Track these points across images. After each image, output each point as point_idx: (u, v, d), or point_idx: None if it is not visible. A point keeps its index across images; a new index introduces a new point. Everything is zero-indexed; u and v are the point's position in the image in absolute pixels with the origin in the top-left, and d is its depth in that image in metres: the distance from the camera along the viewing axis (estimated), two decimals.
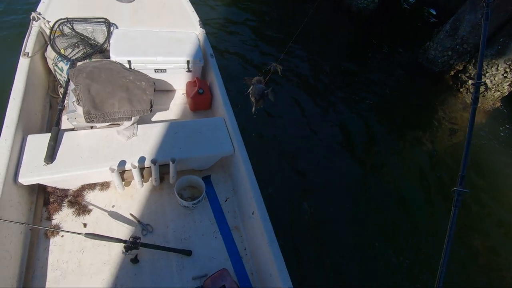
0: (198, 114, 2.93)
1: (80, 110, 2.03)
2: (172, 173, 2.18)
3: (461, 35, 5.64)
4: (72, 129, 2.23)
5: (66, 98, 2.25)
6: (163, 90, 3.00)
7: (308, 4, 6.85)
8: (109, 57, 2.49)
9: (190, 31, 3.07)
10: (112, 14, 2.87)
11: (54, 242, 1.90)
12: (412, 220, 3.41)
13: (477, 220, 3.56)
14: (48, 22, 2.64)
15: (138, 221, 2.11)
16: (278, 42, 5.32)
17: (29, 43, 2.47)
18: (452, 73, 6.01)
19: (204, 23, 3.26)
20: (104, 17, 2.79)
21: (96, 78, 2.04)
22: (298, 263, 2.84)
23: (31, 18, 2.58)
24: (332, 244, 3.03)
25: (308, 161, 3.69)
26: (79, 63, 2.32)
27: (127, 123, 2.17)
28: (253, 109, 1.73)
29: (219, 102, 2.67)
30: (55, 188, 2.04)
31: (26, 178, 1.83)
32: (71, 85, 2.14)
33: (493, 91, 5.48)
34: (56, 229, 1.88)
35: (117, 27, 2.84)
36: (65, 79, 2.39)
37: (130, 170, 2.05)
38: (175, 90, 3.07)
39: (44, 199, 2.02)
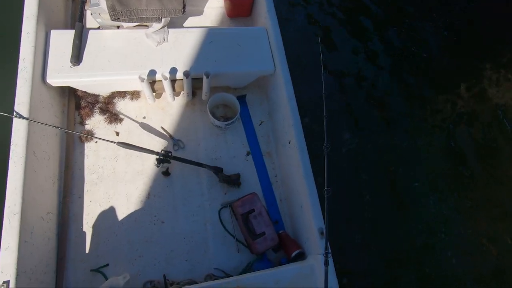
0: (236, 21, 2.52)
1: (103, 4, 1.74)
2: (205, 89, 1.98)
3: None
4: (97, 28, 1.99)
5: None
6: None
7: None
8: None
9: None
10: None
11: (89, 147, 1.90)
12: None
13: None
14: None
15: (170, 135, 2.04)
16: None
17: None
18: None
19: None
20: None
21: None
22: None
23: None
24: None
25: (366, 95, 3.21)
26: None
27: (156, 25, 1.87)
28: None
29: (262, 8, 2.23)
30: (85, 92, 1.94)
31: (54, 79, 1.71)
32: None
33: None
34: (90, 135, 1.86)
35: None
36: None
37: (161, 81, 1.86)
38: None
39: (76, 103, 1.95)
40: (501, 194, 2.99)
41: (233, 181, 1.97)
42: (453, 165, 3.07)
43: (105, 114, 1.97)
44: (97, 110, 1.97)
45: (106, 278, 1.64)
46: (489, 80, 3.55)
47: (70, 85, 1.80)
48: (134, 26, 1.95)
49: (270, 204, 2.05)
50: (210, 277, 1.75)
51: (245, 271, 1.78)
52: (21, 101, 1.55)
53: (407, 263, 2.64)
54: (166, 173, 1.94)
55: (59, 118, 1.86)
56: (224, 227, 1.90)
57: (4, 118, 1.49)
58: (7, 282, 1.26)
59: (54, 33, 1.80)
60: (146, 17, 1.80)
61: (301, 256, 1.79)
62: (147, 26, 1.94)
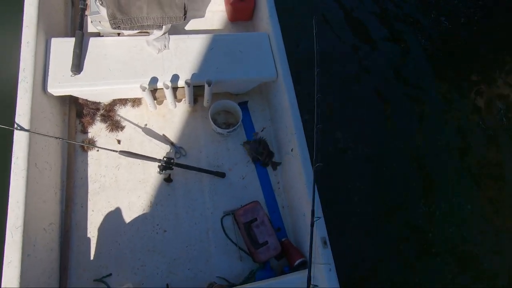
0: (237, 25, 2.50)
1: (104, 12, 1.72)
2: (207, 96, 1.97)
3: None
4: (98, 35, 1.97)
5: None
6: None
7: None
8: None
9: None
10: None
11: (91, 156, 1.89)
12: None
13: None
14: None
15: (171, 143, 2.03)
16: None
17: None
18: None
19: None
20: None
21: None
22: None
23: None
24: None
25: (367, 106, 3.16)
26: None
27: (157, 33, 1.85)
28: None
29: (264, 13, 2.20)
30: (86, 100, 1.92)
31: (55, 89, 1.70)
32: None
33: None
34: (91, 145, 1.85)
35: None
36: None
37: (162, 89, 1.85)
38: None
39: (77, 111, 1.93)
40: None
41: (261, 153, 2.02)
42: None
43: (106, 122, 1.95)
44: (98, 118, 1.96)
45: None
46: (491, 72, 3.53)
47: (71, 94, 1.79)
48: (135, 34, 1.93)
49: (272, 211, 2.05)
50: (212, 285, 1.75)
51: (247, 279, 1.78)
52: (22, 113, 1.53)
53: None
54: (168, 179, 1.94)
55: (60, 127, 1.85)
56: (226, 235, 1.89)
57: (4, 129, 1.48)
58: None
59: (54, 42, 1.78)
60: (147, 25, 1.78)
61: (304, 265, 1.79)
62: (148, 33, 1.92)
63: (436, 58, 3.48)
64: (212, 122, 2.00)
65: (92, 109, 1.93)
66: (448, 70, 3.47)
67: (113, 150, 1.70)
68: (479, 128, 3.22)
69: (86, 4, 1.87)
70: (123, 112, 2.03)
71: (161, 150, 2.00)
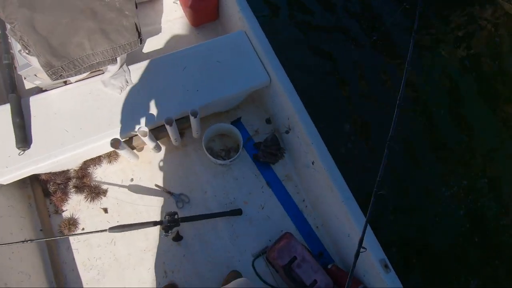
0: (204, 30, 2.11)
1: (36, 62, 1.32)
2: (195, 128, 1.60)
3: None
4: (40, 90, 1.57)
5: (10, 45, 1.49)
6: (145, 2, 2.10)
7: None
8: None
9: None
10: None
11: (77, 239, 1.53)
12: None
13: None
14: None
15: (169, 192, 1.68)
16: None
17: None
18: None
19: None
20: None
21: (36, 3, 1.24)
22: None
23: None
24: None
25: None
26: None
27: (112, 68, 1.47)
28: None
29: (233, 6, 1.82)
30: (50, 174, 1.54)
31: (4, 176, 1.31)
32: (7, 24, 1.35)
33: None
34: (72, 234, 1.48)
35: None
36: None
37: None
38: None
39: (43, 189, 1.55)
40: None
41: (275, 154, 1.77)
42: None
43: (83, 191, 1.58)
44: (72, 190, 1.58)
45: None
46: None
47: (27, 175, 1.40)
48: (86, 76, 1.53)
49: (307, 235, 1.74)
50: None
51: None
52: None
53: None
54: (177, 238, 1.59)
55: (28, 217, 1.48)
56: (264, 281, 1.58)
57: None
58: None
59: None
60: (97, 63, 1.38)
61: None
62: (101, 71, 1.53)
63: None
64: (209, 156, 1.65)
65: (61, 182, 1.55)
66: None
67: (101, 231, 1.34)
68: None
69: (12, 58, 1.46)
70: (100, 173, 1.66)
71: (158, 206, 1.65)
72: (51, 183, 1.53)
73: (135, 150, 1.62)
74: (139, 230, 1.54)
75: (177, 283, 1.52)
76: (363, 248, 1.09)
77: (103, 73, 1.51)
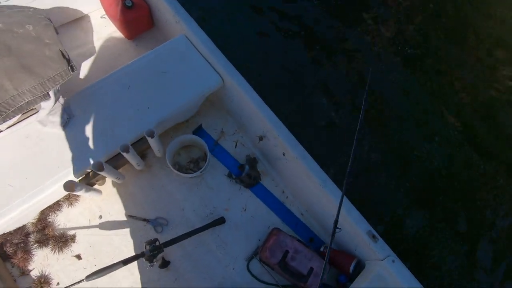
0: (141, 41, 1.98)
1: None
2: (156, 147, 1.51)
3: None
4: None
5: None
6: (68, 23, 1.91)
7: None
8: None
9: None
10: None
11: None
12: None
13: None
14: None
15: (144, 219, 1.58)
16: None
17: None
18: None
19: None
20: None
21: None
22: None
23: None
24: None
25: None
26: None
27: (47, 105, 1.32)
28: None
29: (167, 12, 1.72)
30: (2, 235, 1.37)
31: None
32: None
33: None
34: (45, 283, 1.35)
35: None
36: None
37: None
38: (87, 15, 1.97)
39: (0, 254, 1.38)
40: None
41: (253, 178, 1.72)
42: None
43: (47, 244, 1.43)
44: (35, 246, 1.43)
45: None
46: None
47: None
48: (18, 120, 1.36)
49: (294, 224, 1.74)
50: None
51: None
52: None
53: None
54: (164, 264, 1.51)
55: None
56: (263, 282, 1.56)
57: None
58: None
59: None
60: (26, 103, 1.23)
61: (360, 264, 1.55)
62: (35, 110, 1.37)
63: None
64: (178, 172, 1.57)
65: (19, 240, 1.39)
66: None
67: (78, 282, 1.22)
68: None
69: None
70: (62, 219, 1.51)
71: (136, 237, 1.55)
72: (8, 245, 1.37)
73: (96, 185, 1.50)
74: (121, 269, 1.45)
75: None
76: (338, 228, 1.13)
77: (37, 112, 1.35)
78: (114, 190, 1.60)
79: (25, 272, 1.40)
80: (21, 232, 1.42)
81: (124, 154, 1.31)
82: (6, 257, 1.38)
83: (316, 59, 2.75)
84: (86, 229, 1.52)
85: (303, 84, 2.62)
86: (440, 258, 2.25)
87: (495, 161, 2.62)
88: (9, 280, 1.35)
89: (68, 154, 1.32)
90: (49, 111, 1.34)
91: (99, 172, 1.26)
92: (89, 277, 1.26)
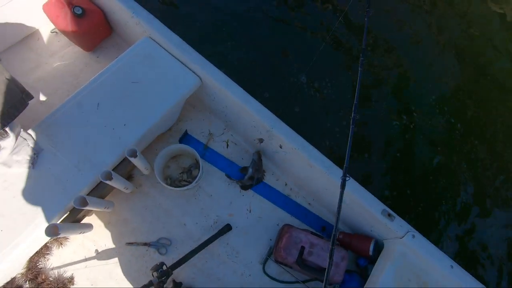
0: (104, 51, 1.79)
1: None
2: (142, 166, 1.37)
3: None
4: None
5: None
6: (13, 46, 1.70)
7: None
8: None
9: None
10: None
11: None
12: None
13: None
14: None
15: (144, 244, 1.46)
16: None
17: None
18: None
19: None
20: None
21: None
22: None
23: None
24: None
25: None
26: None
27: (6, 143, 1.15)
28: None
29: (124, 14, 1.54)
30: None
31: None
32: None
33: None
34: None
35: None
36: None
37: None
38: (35, 31, 1.76)
39: None
40: None
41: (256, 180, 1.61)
42: None
43: None
44: None
45: None
46: None
47: None
48: None
49: (303, 216, 1.66)
50: None
51: None
52: None
53: None
54: (176, 286, 1.41)
55: None
56: (284, 282, 1.49)
57: None
58: None
59: None
60: None
61: (378, 245, 1.49)
62: None
63: None
64: (170, 187, 1.44)
65: None
66: None
67: None
68: None
69: None
70: (55, 261, 1.37)
71: (140, 264, 1.43)
72: None
73: (85, 219, 1.36)
74: None
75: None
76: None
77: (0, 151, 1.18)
78: (106, 220, 1.46)
79: None
80: (12, 285, 1.27)
81: (108, 182, 1.17)
82: None
83: (298, 43, 2.58)
84: (84, 267, 1.39)
85: (288, 71, 2.45)
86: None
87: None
88: None
89: (43, 195, 1.17)
90: (11, 150, 1.17)
91: (83, 208, 1.13)
92: None
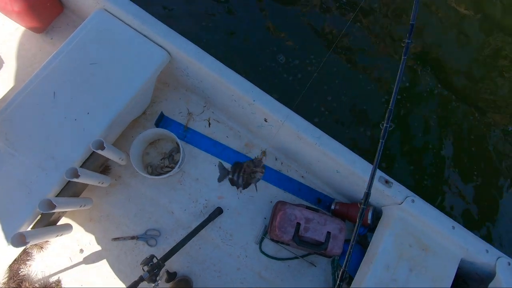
0: (57, 31, 1.58)
1: None
2: (115, 157, 1.24)
3: None
4: None
5: None
6: None
7: None
8: None
9: None
10: None
11: None
12: None
13: None
14: None
15: (132, 237, 1.38)
16: None
17: None
18: None
19: None
20: None
21: None
22: None
23: None
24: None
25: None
26: None
27: None
28: None
29: None
30: None
31: None
32: None
33: None
34: None
35: None
36: None
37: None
38: None
39: None
40: None
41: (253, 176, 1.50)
42: None
43: None
44: None
45: None
46: None
47: None
48: None
49: (297, 190, 1.59)
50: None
51: (336, 274, 1.43)
52: None
53: None
54: (170, 277, 1.35)
55: None
56: (283, 259, 1.45)
57: None
58: None
59: None
60: None
61: (376, 211, 1.44)
62: None
63: None
64: (151, 176, 1.33)
65: None
66: None
67: None
68: None
69: None
70: (38, 266, 1.29)
71: (129, 259, 1.36)
72: None
73: (63, 219, 1.25)
74: None
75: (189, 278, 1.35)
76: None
77: None
78: (86, 217, 1.36)
79: None
80: None
81: (76, 180, 1.05)
82: None
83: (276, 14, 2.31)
84: (70, 269, 1.31)
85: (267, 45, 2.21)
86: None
87: None
88: None
89: (6, 201, 1.05)
90: None
91: (52, 211, 1.01)
92: None
